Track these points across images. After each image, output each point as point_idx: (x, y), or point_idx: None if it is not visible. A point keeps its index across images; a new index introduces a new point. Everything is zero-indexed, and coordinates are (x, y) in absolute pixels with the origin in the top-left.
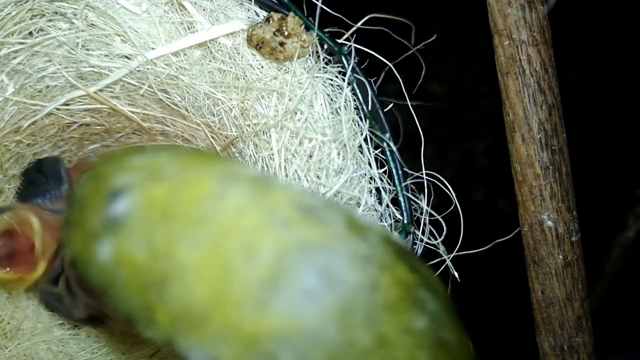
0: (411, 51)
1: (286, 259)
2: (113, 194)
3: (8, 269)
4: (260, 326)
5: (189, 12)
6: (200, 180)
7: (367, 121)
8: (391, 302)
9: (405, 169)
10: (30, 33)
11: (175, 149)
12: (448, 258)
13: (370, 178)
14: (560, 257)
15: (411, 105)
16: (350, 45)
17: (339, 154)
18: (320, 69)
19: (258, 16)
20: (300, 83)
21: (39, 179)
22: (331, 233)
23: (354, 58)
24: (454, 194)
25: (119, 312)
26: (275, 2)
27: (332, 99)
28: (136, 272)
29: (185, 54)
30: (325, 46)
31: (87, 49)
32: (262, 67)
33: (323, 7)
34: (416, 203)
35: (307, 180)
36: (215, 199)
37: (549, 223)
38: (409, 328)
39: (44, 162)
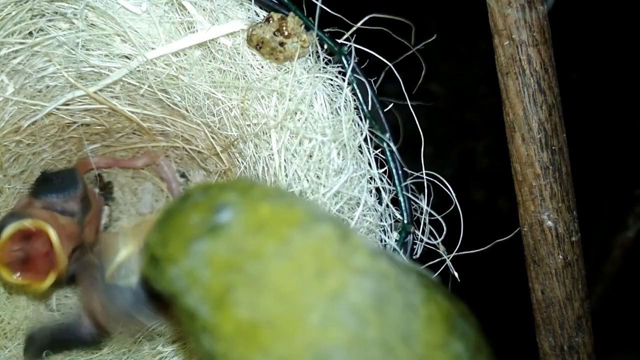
0: (411, 51)
1: (348, 284)
2: (220, 205)
3: (18, 274)
4: (323, 336)
5: (189, 12)
6: (294, 209)
7: (367, 121)
8: (429, 325)
9: (405, 169)
10: (30, 33)
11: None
12: (448, 258)
13: (370, 178)
14: (560, 257)
15: (411, 105)
16: (350, 45)
17: (339, 154)
18: (320, 69)
19: (258, 16)
20: (300, 83)
21: (55, 177)
22: (385, 269)
23: (354, 58)
24: (454, 194)
25: (183, 316)
26: (275, 2)
27: (332, 99)
28: (220, 274)
29: (185, 54)
30: (325, 46)
31: (87, 49)
32: (262, 67)
33: (323, 7)
34: (416, 203)
35: (307, 180)
36: (304, 227)
37: (549, 223)
38: (446, 350)
39: (61, 170)
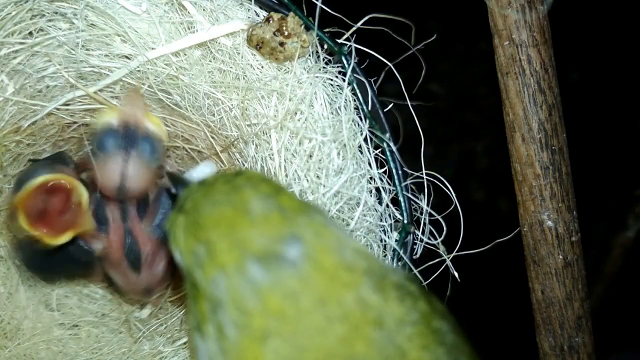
0: (411, 51)
1: None
2: (292, 236)
3: (37, 229)
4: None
5: (189, 12)
6: (353, 272)
7: (367, 121)
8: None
9: (405, 169)
10: (30, 33)
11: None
12: (448, 258)
13: (370, 178)
14: (560, 257)
15: (411, 105)
16: (350, 45)
17: (339, 154)
18: (320, 69)
19: (258, 16)
20: (300, 83)
21: (43, 160)
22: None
23: (354, 58)
24: (454, 194)
25: (199, 312)
26: (275, 2)
27: (332, 99)
28: (265, 312)
29: (185, 54)
30: (325, 46)
31: (87, 49)
32: (262, 67)
33: (323, 7)
34: (416, 203)
35: (307, 180)
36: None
37: (549, 223)
38: (428, 347)
39: (48, 156)
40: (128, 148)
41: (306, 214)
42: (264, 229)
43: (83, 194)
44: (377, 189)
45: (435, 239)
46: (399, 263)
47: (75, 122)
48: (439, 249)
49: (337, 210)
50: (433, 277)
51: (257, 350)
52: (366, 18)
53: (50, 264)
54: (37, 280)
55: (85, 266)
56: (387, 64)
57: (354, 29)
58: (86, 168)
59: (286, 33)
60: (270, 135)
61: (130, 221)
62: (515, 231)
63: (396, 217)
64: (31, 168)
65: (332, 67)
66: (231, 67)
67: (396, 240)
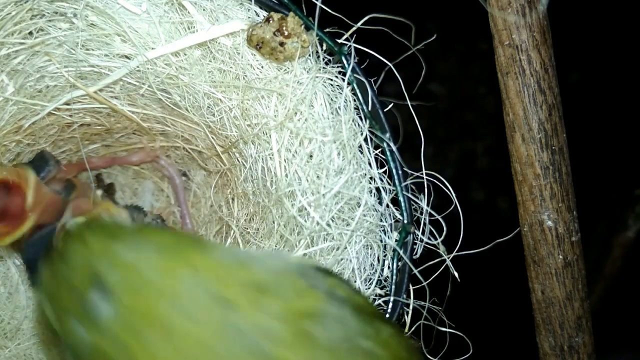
0: (411, 51)
1: None
2: (98, 285)
3: None
4: None
5: (189, 12)
6: (177, 295)
7: (367, 121)
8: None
9: (405, 169)
10: (30, 33)
11: (161, 241)
12: (448, 258)
13: (370, 178)
14: (560, 257)
15: (411, 105)
16: (350, 45)
17: (339, 154)
18: (320, 69)
19: (258, 16)
20: (300, 83)
21: (25, 164)
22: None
23: (354, 58)
24: (454, 194)
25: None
26: (275, 2)
27: (332, 99)
28: None
29: (185, 54)
30: (325, 46)
31: (87, 49)
32: (262, 67)
33: (323, 7)
34: (416, 203)
35: (307, 180)
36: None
37: (549, 223)
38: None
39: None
40: None
41: (108, 254)
42: (75, 285)
43: (30, 177)
44: (377, 189)
45: (435, 239)
46: (399, 263)
47: (75, 122)
48: (439, 249)
49: (337, 211)
50: (433, 277)
51: None
52: (366, 18)
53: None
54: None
55: None
56: (387, 64)
57: (354, 29)
58: (82, 170)
59: (286, 33)
60: (270, 136)
61: None
62: (515, 231)
63: (396, 217)
64: None
65: (332, 67)
66: (231, 67)
67: (396, 240)
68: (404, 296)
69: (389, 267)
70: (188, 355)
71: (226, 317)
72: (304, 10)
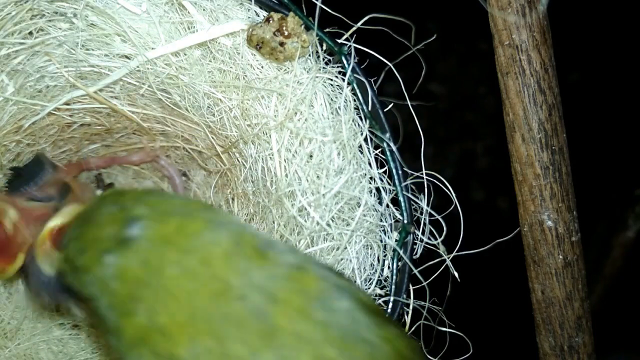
0: (411, 51)
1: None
2: (131, 219)
3: None
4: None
5: (189, 12)
6: (195, 221)
7: (367, 121)
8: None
9: (405, 169)
10: (30, 33)
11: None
12: (448, 258)
13: (370, 178)
14: (560, 257)
15: (411, 105)
16: (350, 45)
17: (339, 154)
18: (320, 69)
19: (258, 16)
20: (300, 83)
21: (21, 169)
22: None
23: (354, 58)
24: (454, 194)
25: (96, 317)
26: (275, 2)
27: (332, 99)
28: (126, 285)
29: (185, 54)
30: (325, 46)
31: (87, 49)
32: (262, 67)
33: (323, 7)
34: (416, 203)
35: (307, 180)
36: (201, 236)
37: (549, 223)
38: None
39: (29, 161)
40: None
41: (140, 199)
42: (109, 225)
43: (10, 212)
44: (377, 189)
45: (435, 239)
46: (399, 263)
47: (75, 122)
48: (439, 249)
49: (337, 210)
50: (433, 277)
51: (133, 320)
52: (366, 18)
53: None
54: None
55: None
56: (387, 64)
57: (354, 29)
58: (82, 170)
59: (286, 33)
60: (270, 136)
61: None
62: (515, 231)
63: (396, 217)
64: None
65: (332, 67)
66: (231, 67)
67: (396, 240)
68: (404, 296)
69: (389, 267)
70: (196, 276)
71: (235, 260)
72: (304, 10)
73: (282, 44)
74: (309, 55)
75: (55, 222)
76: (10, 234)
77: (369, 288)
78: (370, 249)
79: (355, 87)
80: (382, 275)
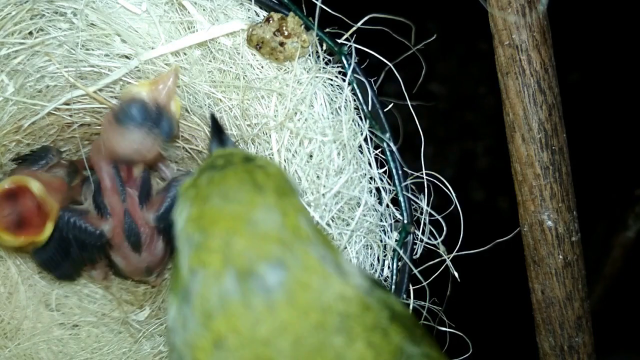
0: (411, 51)
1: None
2: (278, 261)
3: (22, 237)
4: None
5: (189, 12)
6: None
7: (367, 121)
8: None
9: (405, 169)
10: (30, 33)
11: None
12: (448, 258)
13: (370, 178)
14: (560, 257)
15: (411, 105)
16: (350, 45)
17: (339, 154)
18: (320, 69)
19: (258, 16)
20: (300, 83)
21: (27, 154)
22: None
23: (354, 58)
24: (454, 194)
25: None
26: (275, 2)
27: (332, 99)
28: (228, 327)
29: (185, 54)
30: (325, 46)
31: (87, 49)
32: (262, 67)
33: (323, 7)
34: (416, 203)
35: (307, 180)
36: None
37: (549, 223)
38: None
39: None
40: (153, 123)
41: (304, 244)
42: (257, 245)
43: (32, 183)
44: (377, 189)
45: (435, 239)
46: (399, 263)
47: (75, 122)
48: (439, 249)
49: (337, 210)
50: (433, 277)
51: (207, 353)
52: (366, 18)
53: (67, 258)
54: (38, 280)
55: (98, 249)
56: (387, 64)
57: (354, 29)
58: (79, 166)
59: (286, 33)
60: (270, 136)
61: (129, 203)
62: (515, 231)
63: (396, 217)
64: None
65: (332, 67)
66: (231, 67)
67: (396, 240)
68: (404, 296)
69: (389, 267)
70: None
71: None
72: (304, 10)
73: (282, 44)
74: (309, 55)
75: None
76: (41, 202)
77: None
78: (370, 249)
79: (355, 87)
80: (382, 275)
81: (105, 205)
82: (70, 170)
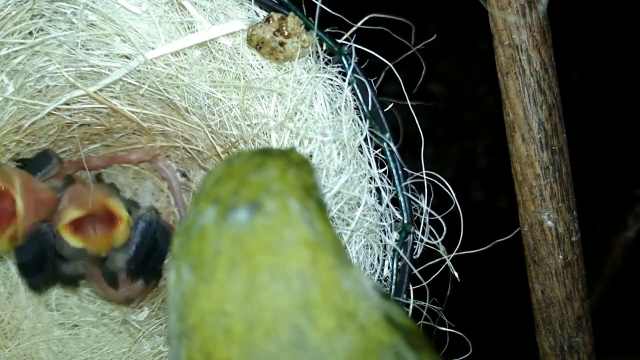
0: (411, 51)
1: None
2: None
3: None
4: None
5: (189, 12)
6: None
7: (367, 121)
8: None
9: (405, 169)
10: (30, 33)
11: None
12: (448, 258)
13: (370, 178)
14: (560, 257)
15: (411, 105)
16: (350, 45)
17: (339, 154)
18: (320, 69)
19: (258, 16)
20: (300, 83)
21: (28, 160)
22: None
23: (354, 58)
24: (454, 194)
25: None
26: (275, 2)
27: (332, 99)
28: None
29: (185, 54)
30: (325, 46)
31: (87, 49)
32: (262, 67)
33: (323, 7)
34: (416, 203)
35: None
36: None
37: (549, 223)
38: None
39: (37, 154)
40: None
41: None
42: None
43: (15, 179)
44: (377, 189)
45: (435, 239)
46: (399, 263)
47: (75, 122)
48: (439, 249)
49: (337, 211)
50: (433, 277)
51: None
52: (366, 18)
53: (40, 271)
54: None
55: (74, 277)
56: (387, 64)
57: (354, 29)
58: (80, 168)
59: (286, 33)
60: (270, 136)
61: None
62: (515, 231)
63: (396, 217)
64: None
65: (332, 67)
66: (231, 67)
67: (396, 240)
68: (404, 296)
69: (389, 267)
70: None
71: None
72: (304, 10)
73: (282, 44)
74: (309, 55)
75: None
76: (15, 211)
77: None
78: (370, 249)
79: (355, 87)
80: (382, 276)
81: None
82: (66, 183)
